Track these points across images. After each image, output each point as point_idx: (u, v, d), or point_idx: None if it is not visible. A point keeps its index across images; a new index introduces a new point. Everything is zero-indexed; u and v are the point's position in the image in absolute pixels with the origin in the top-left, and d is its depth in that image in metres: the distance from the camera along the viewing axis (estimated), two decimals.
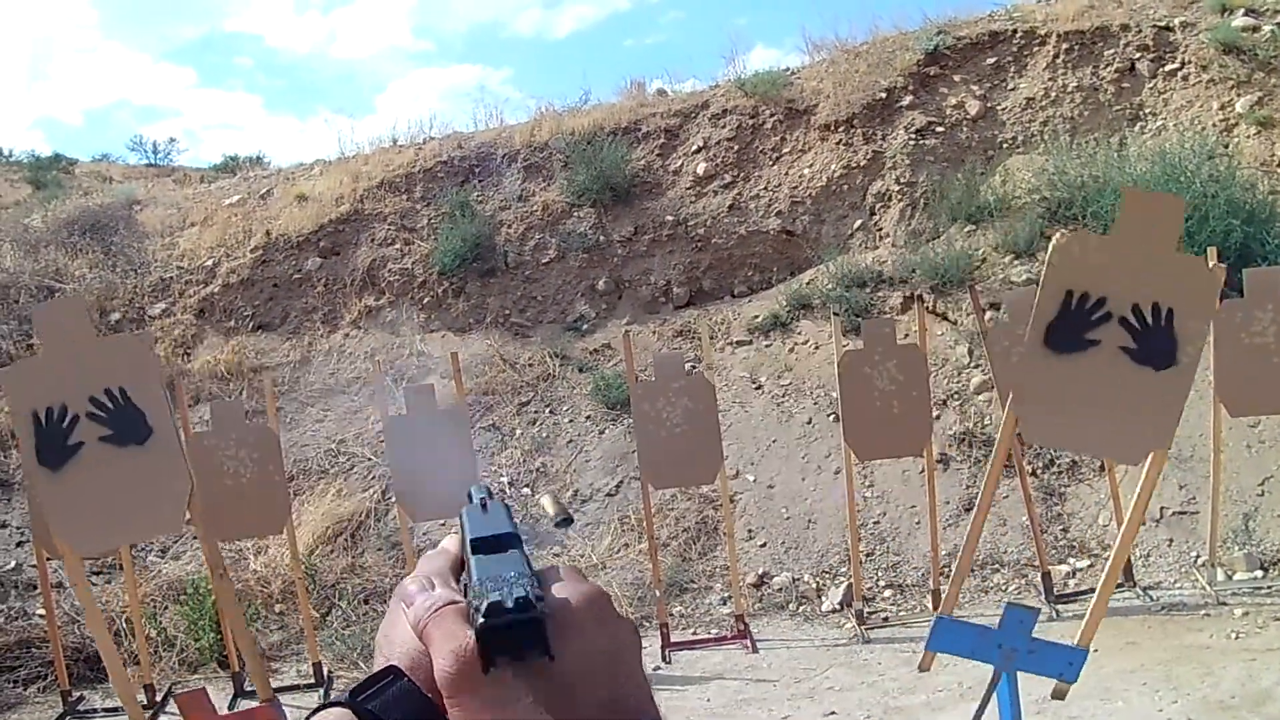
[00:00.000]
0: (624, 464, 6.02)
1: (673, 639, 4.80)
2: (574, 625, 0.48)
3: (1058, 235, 2.99)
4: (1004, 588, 5.32)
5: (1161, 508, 5.47)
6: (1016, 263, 6.87)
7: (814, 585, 5.44)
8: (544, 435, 6.43)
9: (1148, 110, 7.72)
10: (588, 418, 6.50)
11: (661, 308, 7.43)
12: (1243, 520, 5.35)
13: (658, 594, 4.87)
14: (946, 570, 5.27)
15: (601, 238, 7.65)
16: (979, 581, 5.37)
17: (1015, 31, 7.98)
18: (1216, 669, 4.23)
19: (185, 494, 3.04)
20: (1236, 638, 4.61)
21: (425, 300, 7.55)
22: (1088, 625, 2.84)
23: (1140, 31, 7.98)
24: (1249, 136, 7.48)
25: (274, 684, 4.74)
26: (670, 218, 7.69)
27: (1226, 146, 7.41)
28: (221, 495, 4.43)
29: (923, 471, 5.23)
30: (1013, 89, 7.76)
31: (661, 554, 5.35)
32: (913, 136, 7.50)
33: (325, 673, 4.66)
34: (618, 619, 0.51)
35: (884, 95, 7.71)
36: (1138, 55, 7.88)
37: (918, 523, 5.56)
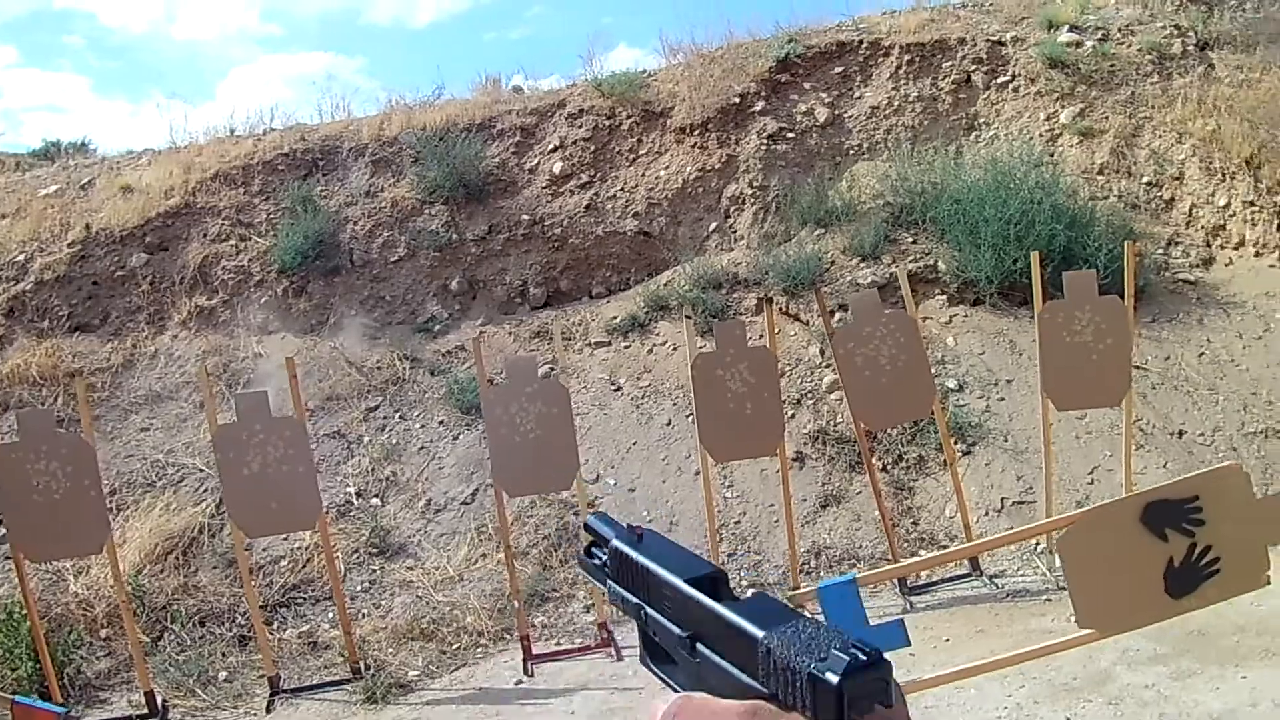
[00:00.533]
0: (480, 471, 6.07)
1: (535, 651, 4.84)
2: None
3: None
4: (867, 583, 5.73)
5: (1002, 498, 6.04)
6: (863, 265, 7.41)
7: None
8: (394, 442, 6.43)
9: (982, 120, 8.49)
10: (441, 423, 6.55)
11: (517, 308, 7.57)
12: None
13: (516, 605, 4.90)
14: (806, 567, 5.68)
15: (454, 236, 7.71)
16: (837, 576, 5.77)
17: (861, 42, 8.60)
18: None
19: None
20: (1075, 620, 5.14)
21: (264, 300, 7.39)
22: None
23: (975, 45, 8.77)
24: (1072, 146, 8.40)
25: (103, 715, 4.56)
26: (526, 217, 7.86)
27: (1052, 155, 8.30)
28: (32, 513, 4.23)
29: (780, 471, 5.50)
30: (859, 98, 8.36)
31: (521, 563, 5.44)
32: (765, 141, 7.96)
33: (159, 702, 4.52)
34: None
35: (738, 100, 8.15)
36: (973, 68, 8.65)
37: (776, 521, 5.85)
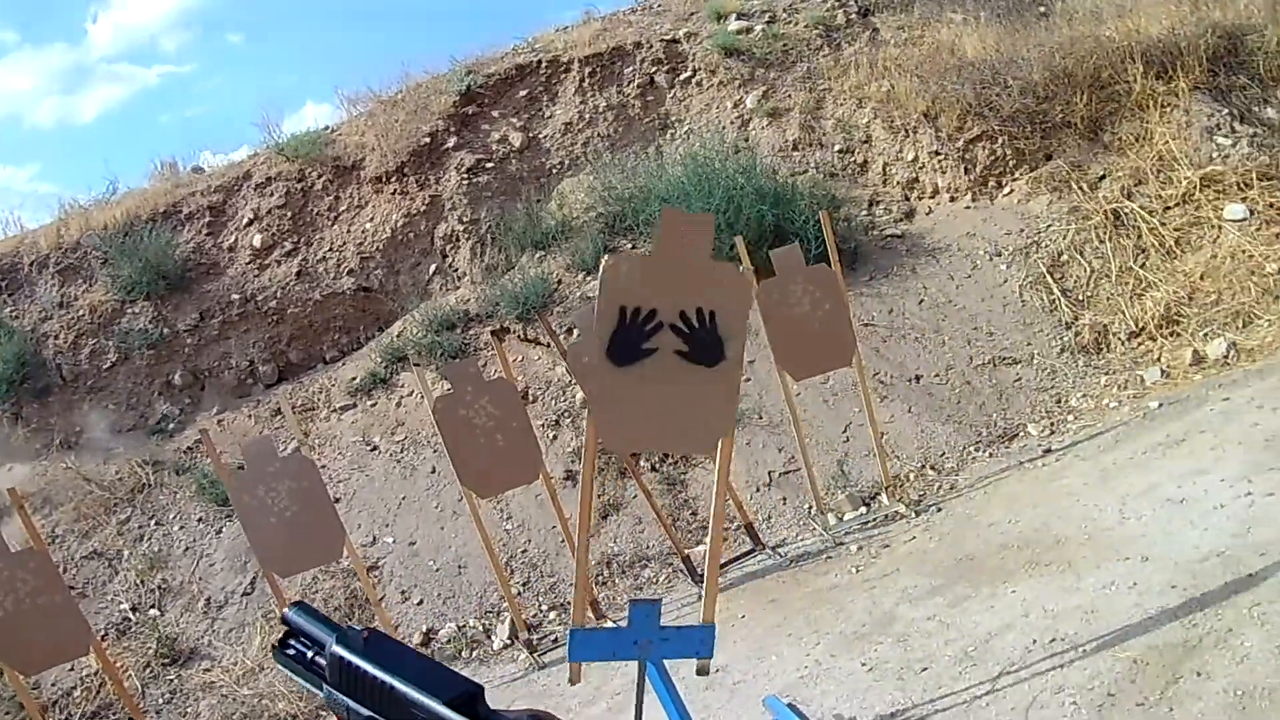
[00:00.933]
0: (252, 558, 7.10)
1: None
2: None
3: (605, 259, 4.02)
4: (655, 580, 7.15)
5: (769, 472, 7.72)
6: (589, 279, 9.55)
7: (481, 628, 6.95)
8: (156, 549, 7.87)
9: (674, 118, 11.11)
10: (200, 520, 8.08)
11: (251, 390, 9.27)
12: (838, 466, 7.57)
13: None
14: (600, 578, 7.19)
15: (165, 330, 9.44)
16: (632, 580, 7.20)
17: (541, 62, 11.07)
18: (846, 605, 5.63)
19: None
20: (857, 572, 6.17)
21: None
22: (706, 605, 3.94)
23: (652, 47, 11.43)
24: (763, 128, 11.03)
25: None
26: (236, 296, 9.68)
27: (746, 140, 10.87)
28: None
29: (547, 494, 6.85)
30: (550, 116, 10.77)
31: None
32: (465, 175, 10.20)
33: None
34: None
35: (429, 140, 10.37)
36: (654, 69, 11.30)
37: (561, 542, 7.21)
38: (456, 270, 9.93)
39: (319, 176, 10.29)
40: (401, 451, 8.50)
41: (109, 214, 9.86)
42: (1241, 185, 9.37)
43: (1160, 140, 9.85)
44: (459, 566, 7.42)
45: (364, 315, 9.80)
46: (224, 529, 7.97)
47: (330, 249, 9.98)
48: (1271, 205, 9.20)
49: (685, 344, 3.84)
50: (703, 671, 3.87)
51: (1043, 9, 11.89)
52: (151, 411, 9.05)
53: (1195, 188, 9.44)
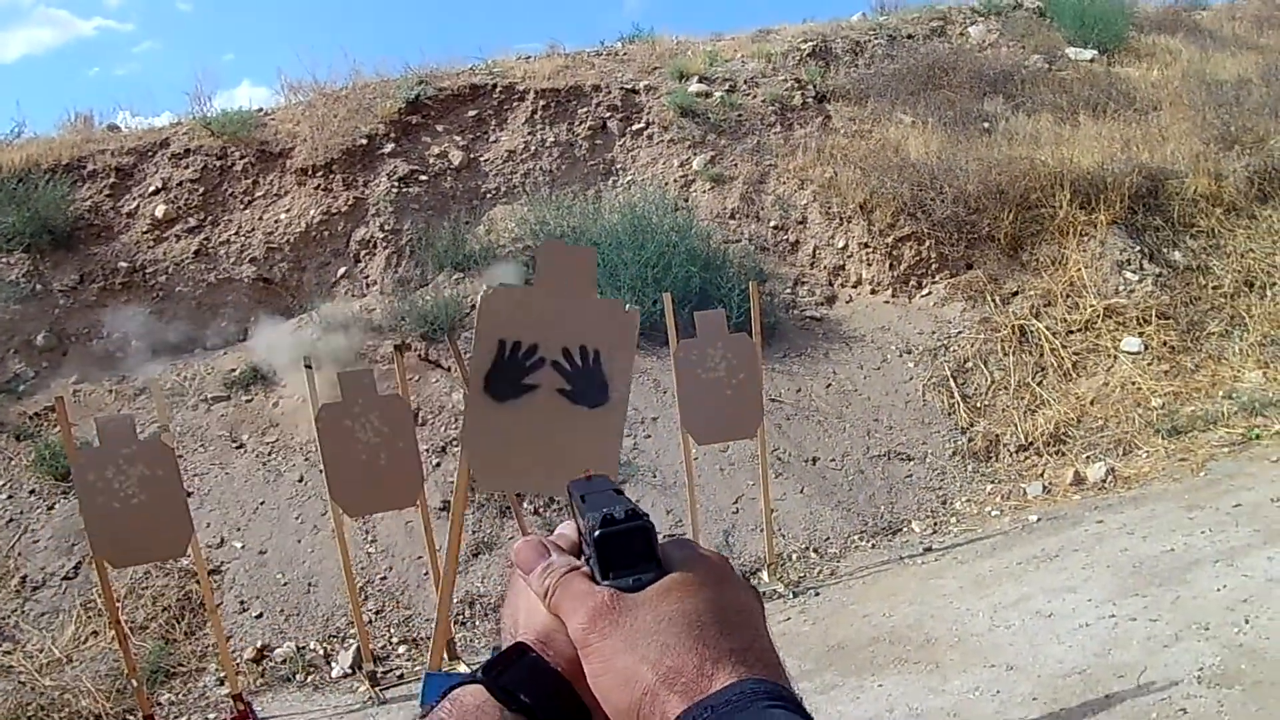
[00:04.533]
0: (83, 541, 6.58)
1: None
2: (697, 577, 0.68)
3: (484, 289, 4.11)
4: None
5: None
6: None
7: (322, 652, 6.47)
8: None
9: (619, 166, 10.80)
10: (32, 492, 7.32)
11: (119, 364, 8.46)
12: (723, 537, 7.39)
13: (135, 684, 5.35)
14: (460, 618, 6.76)
15: (39, 287, 8.55)
16: (495, 624, 6.65)
17: (496, 86, 10.67)
18: None
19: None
20: None
21: None
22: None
23: (610, 93, 11.15)
24: (704, 191, 10.90)
25: None
26: (125, 264, 8.90)
27: (686, 200, 10.70)
28: None
29: (419, 522, 6.46)
30: (494, 141, 10.36)
31: (141, 637, 6.22)
32: (396, 184, 9.66)
33: None
34: (742, 581, 0.72)
35: (365, 141, 9.82)
36: (608, 114, 11.00)
37: (425, 574, 6.75)
38: (367, 277, 9.37)
39: (241, 157, 9.71)
40: (270, 454, 7.96)
41: (6, 156, 9.10)
42: (1140, 320, 9.62)
43: (1074, 267, 10.01)
44: (309, 584, 6.92)
45: (258, 306, 9.13)
46: (57, 505, 7.26)
47: (237, 233, 9.35)
48: (1165, 343, 9.41)
49: (567, 383, 3.49)
50: None
51: (987, 125, 12.01)
52: (3, 369, 8.21)
53: (1098, 316, 9.68)
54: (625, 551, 0.69)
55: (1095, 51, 14.46)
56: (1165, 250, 10.44)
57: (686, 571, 0.69)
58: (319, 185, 9.59)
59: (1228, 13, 18.06)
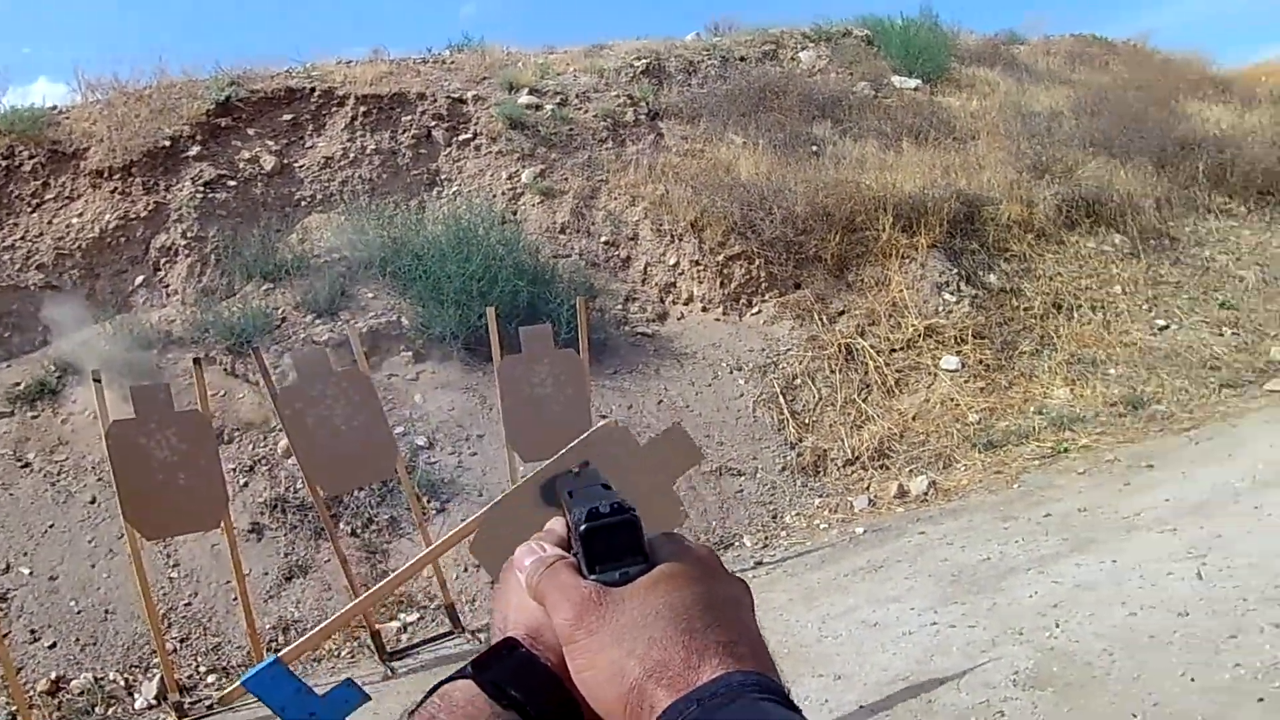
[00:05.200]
0: None
1: None
2: (685, 569, 0.70)
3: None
4: (338, 654, 6.71)
5: None
6: (319, 322, 9.05)
7: (123, 683, 6.28)
8: None
9: (444, 176, 10.83)
10: None
11: None
12: None
13: None
14: (274, 645, 6.57)
15: None
16: (310, 651, 6.43)
17: (313, 90, 10.54)
18: None
19: None
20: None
21: None
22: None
23: (436, 101, 11.17)
24: (534, 205, 11.03)
25: None
26: None
27: (515, 213, 10.79)
28: None
29: (226, 545, 6.37)
30: (311, 147, 10.23)
31: None
32: (201, 189, 9.41)
33: None
34: (729, 574, 0.73)
35: (168, 144, 9.52)
36: (434, 123, 11.03)
37: (234, 599, 6.63)
38: (168, 287, 9.06)
39: (30, 157, 9.24)
40: (59, 474, 7.63)
41: None
42: (958, 339, 10.30)
43: (896, 288, 10.60)
44: (106, 611, 6.69)
45: (46, 316, 8.67)
46: None
47: (24, 237, 8.89)
48: (981, 361, 10.07)
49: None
50: None
51: (815, 149, 12.61)
52: None
53: (919, 335, 10.27)
54: (611, 545, 0.71)
55: (919, 81, 15.45)
56: (981, 273, 11.22)
57: (674, 564, 0.70)
58: (116, 189, 9.21)
59: (1043, 48, 19.62)
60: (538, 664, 0.72)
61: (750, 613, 0.72)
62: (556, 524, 0.81)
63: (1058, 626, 5.18)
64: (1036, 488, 8.03)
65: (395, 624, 6.90)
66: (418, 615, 7.03)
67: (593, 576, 0.70)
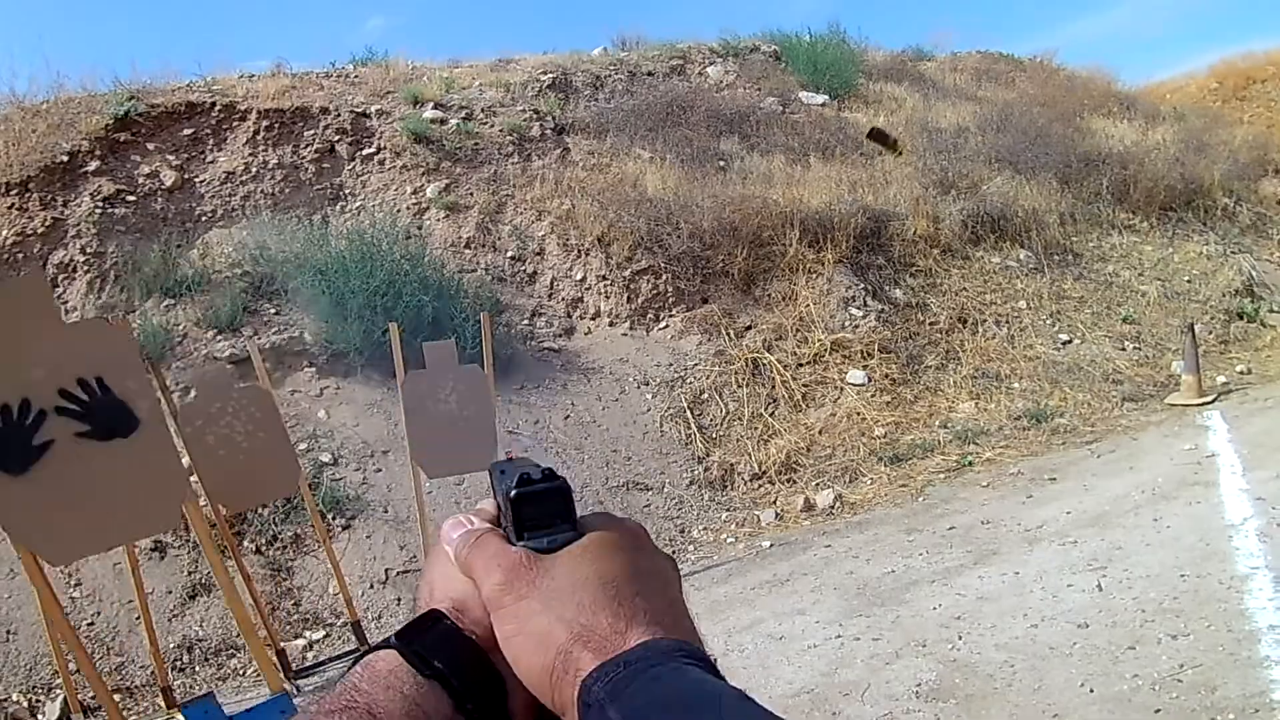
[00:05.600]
0: None
1: None
2: (614, 539, 0.72)
3: None
4: (243, 672, 6.71)
5: (386, 570, 7.62)
6: (220, 338, 9.09)
7: (26, 704, 6.26)
8: None
9: (347, 190, 10.93)
10: None
11: None
12: None
13: None
14: (179, 664, 6.64)
15: None
16: (216, 670, 6.76)
17: (214, 104, 10.58)
18: None
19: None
20: None
21: None
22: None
23: (340, 115, 11.28)
24: (439, 219, 11.15)
25: None
26: None
27: (419, 228, 10.90)
28: None
29: (127, 564, 6.29)
30: (212, 161, 10.27)
31: None
32: (100, 204, 9.40)
33: None
34: (658, 549, 0.75)
35: (66, 159, 9.49)
36: (337, 138, 11.12)
37: (138, 617, 6.50)
38: (66, 304, 9.01)
39: None
40: None
41: None
42: (864, 354, 10.65)
43: (803, 303, 10.93)
44: (7, 631, 6.68)
45: None
46: None
47: None
48: (886, 376, 10.45)
49: (83, 422, 3.34)
50: None
51: (722, 164, 12.95)
52: None
53: (826, 350, 10.58)
54: (541, 511, 0.71)
55: (827, 97, 15.94)
56: (887, 288, 11.64)
57: (604, 533, 0.72)
58: (13, 204, 9.16)
59: (950, 64, 20.28)
60: (462, 636, 0.73)
61: (678, 588, 0.74)
62: (486, 504, 0.83)
63: (960, 638, 5.31)
64: (941, 501, 8.27)
65: (301, 641, 6.95)
66: (324, 633, 7.08)
67: (521, 543, 0.72)
